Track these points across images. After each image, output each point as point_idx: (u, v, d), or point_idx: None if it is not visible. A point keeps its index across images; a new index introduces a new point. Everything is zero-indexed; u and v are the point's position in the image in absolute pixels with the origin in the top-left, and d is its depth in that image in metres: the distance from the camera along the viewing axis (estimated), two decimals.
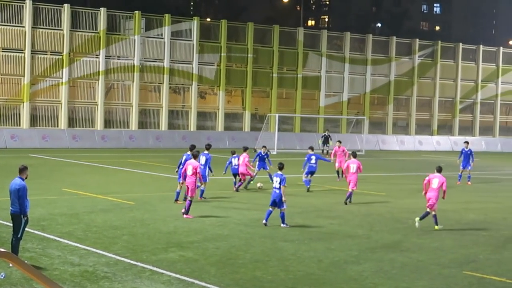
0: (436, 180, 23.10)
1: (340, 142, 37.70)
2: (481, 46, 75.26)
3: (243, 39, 62.62)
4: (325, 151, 55.15)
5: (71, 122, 55.68)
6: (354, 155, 29.26)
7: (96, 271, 15.86)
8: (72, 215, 22.85)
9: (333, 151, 37.38)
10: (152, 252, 17.98)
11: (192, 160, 24.43)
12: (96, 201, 26.28)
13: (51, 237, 19.36)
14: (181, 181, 25.89)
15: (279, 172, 22.53)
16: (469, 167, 37.71)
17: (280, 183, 22.10)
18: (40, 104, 54.94)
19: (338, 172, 36.62)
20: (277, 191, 22.14)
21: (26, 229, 16.60)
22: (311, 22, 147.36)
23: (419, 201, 29.93)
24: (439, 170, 23.57)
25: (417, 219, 22.92)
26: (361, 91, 68.17)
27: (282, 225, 22.13)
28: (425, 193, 23.38)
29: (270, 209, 22.34)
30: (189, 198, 23.63)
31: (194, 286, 15.09)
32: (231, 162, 31.06)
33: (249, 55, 62.22)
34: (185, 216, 23.27)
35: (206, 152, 27.94)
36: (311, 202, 28.23)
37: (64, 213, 23.16)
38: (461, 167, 37.92)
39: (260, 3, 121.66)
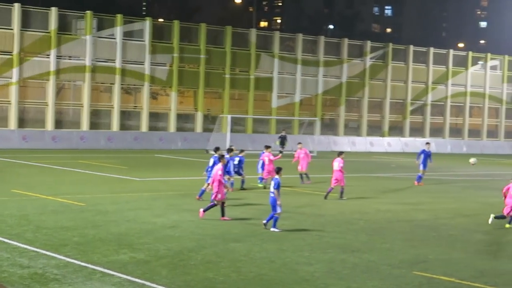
0: None
1: (300, 143, 37.16)
2: (431, 48, 76.11)
3: (195, 40, 62.49)
4: (282, 152, 55.18)
5: (21, 122, 55.05)
6: (339, 154, 31.25)
7: (46, 273, 15.69)
8: (22, 217, 22.57)
9: (296, 154, 36.54)
10: (103, 253, 17.84)
11: (218, 165, 24.16)
12: (46, 202, 25.99)
13: (0, 239, 19.10)
14: (209, 182, 25.73)
15: (275, 176, 22.51)
16: (425, 168, 38.03)
17: (273, 187, 22.03)
18: None
19: (301, 175, 35.93)
20: (272, 194, 22.08)
21: None
22: (263, 24, 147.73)
23: (370, 202, 30.23)
24: None
25: (492, 215, 24.16)
26: (313, 92, 68.45)
27: (272, 228, 21.94)
28: (505, 199, 24.45)
29: (272, 213, 22.26)
30: (215, 202, 23.46)
31: None
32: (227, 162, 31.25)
33: (201, 56, 62.11)
34: (221, 218, 23.26)
35: (216, 155, 27.62)
36: (264, 203, 28.22)
37: (13, 215, 22.86)
38: (421, 168, 38.04)
39: (213, 4, 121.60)
